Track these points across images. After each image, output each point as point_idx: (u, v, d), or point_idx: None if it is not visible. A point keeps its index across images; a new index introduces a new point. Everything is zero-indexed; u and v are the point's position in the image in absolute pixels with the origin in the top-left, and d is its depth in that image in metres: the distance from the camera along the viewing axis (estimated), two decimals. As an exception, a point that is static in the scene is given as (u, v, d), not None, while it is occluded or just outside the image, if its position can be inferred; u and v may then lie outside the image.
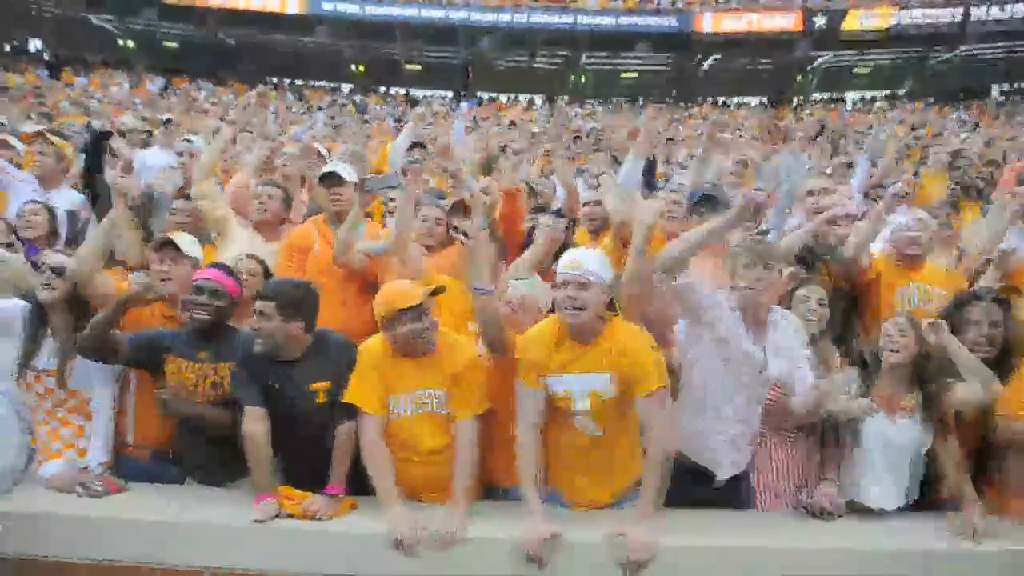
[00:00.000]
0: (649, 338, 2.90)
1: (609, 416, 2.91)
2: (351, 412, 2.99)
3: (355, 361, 3.06)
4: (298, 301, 3.05)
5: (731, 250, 3.20)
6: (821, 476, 3.18)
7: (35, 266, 3.56)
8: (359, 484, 3.05)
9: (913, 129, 13.81)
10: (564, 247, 3.95)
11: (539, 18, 29.16)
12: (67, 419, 3.18)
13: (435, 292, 3.00)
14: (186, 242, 3.48)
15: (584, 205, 4.72)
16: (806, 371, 3.01)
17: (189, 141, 6.37)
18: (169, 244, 3.44)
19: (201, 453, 3.23)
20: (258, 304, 2.99)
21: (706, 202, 3.89)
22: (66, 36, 30.22)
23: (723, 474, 3.08)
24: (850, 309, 3.98)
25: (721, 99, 30.92)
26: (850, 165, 7.54)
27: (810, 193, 4.36)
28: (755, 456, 3.20)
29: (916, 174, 7.43)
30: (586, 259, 2.87)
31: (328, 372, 3.06)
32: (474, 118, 17.97)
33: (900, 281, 3.87)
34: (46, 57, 27.62)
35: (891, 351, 3.11)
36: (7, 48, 28.05)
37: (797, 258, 3.77)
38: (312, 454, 3.03)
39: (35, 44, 30.00)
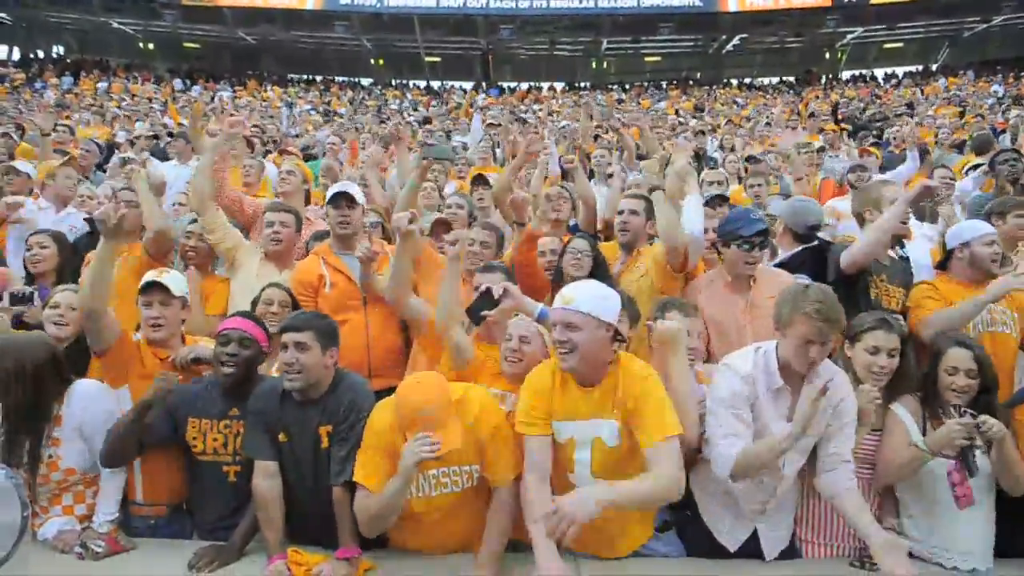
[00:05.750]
0: (659, 382, 2.60)
1: (608, 470, 2.61)
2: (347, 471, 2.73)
3: (362, 402, 2.82)
4: (333, 330, 2.90)
5: None
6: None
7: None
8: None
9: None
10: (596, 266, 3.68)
11: (559, 3, 28.53)
12: (68, 487, 2.96)
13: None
14: (175, 281, 3.22)
15: (618, 213, 4.00)
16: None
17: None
18: (156, 286, 3.15)
19: (214, 506, 3.03)
20: (292, 336, 2.75)
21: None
22: (88, 41, 30.53)
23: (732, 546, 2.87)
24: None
25: (747, 80, 30.10)
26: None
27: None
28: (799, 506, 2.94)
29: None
30: (577, 293, 2.53)
31: (333, 413, 2.83)
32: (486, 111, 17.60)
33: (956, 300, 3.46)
34: (69, 61, 27.86)
35: (960, 392, 2.84)
36: (33, 56, 28.36)
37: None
38: (320, 506, 2.80)
39: (58, 50, 30.33)
